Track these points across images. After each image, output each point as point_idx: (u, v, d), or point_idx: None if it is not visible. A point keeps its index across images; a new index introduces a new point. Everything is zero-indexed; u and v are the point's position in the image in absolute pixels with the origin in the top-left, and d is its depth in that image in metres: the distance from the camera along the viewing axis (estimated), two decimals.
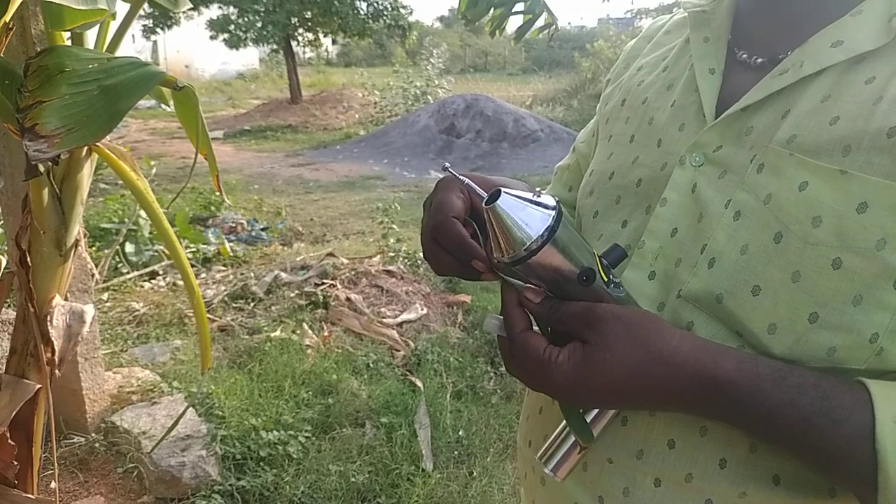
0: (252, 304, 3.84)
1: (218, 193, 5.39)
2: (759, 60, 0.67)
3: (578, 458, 0.66)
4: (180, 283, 4.06)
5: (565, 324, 0.58)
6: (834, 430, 0.53)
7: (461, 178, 0.62)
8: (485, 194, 0.58)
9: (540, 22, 3.17)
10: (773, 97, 0.63)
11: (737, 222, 0.61)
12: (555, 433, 0.66)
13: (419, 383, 3.10)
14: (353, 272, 4.13)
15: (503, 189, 0.55)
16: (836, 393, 0.54)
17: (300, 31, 16.29)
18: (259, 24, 15.25)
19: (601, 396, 0.58)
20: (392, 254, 4.49)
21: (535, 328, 0.61)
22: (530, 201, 0.55)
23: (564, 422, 0.65)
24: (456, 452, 2.72)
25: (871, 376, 0.56)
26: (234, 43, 16.09)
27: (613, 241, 0.71)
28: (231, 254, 4.72)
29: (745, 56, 0.69)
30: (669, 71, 0.77)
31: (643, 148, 0.73)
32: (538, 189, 0.58)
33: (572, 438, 0.65)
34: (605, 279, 0.59)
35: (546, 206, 0.55)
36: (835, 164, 0.56)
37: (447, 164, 0.64)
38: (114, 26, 1.29)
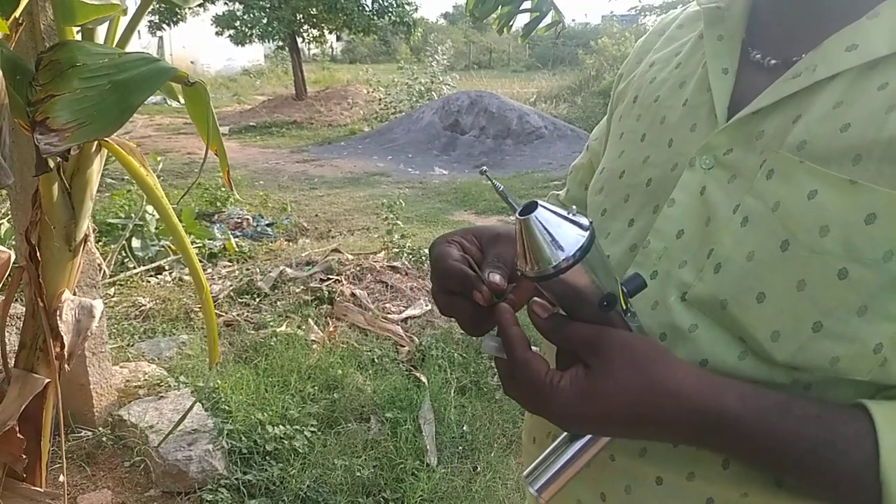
0: (258, 300, 3.86)
1: (226, 189, 5.38)
2: (773, 62, 0.66)
3: (566, 482, 0.63)
4: (186, 278, 4.08)
5: (570, 344, 0.58)
6: (839, 460, 0.53)
7: (496, 184, 0.59)
8: (518, 204, 0.56)
9: (547, 20, 3.16)
10: (785, 101, 0.62)
11: (744, 228, 0.60)
12: (544, 454, 0.64)
13: (424, 379, 3.11)
14: (357, 268, 4.14)
15: (539, 202, 0.54)
16: (839, 422, 0.54)
17: (305, 27, 16.28)
18: (264, 21, 15.25)
19: (600, 425, 0.57)
20: (396, 250, 4.49)
21: (535, 349, 0.60)
22: (565, 218, 0.54)
23: (555, 443, 0.64)
24: (460, 447, 2.73)
25: (873, 388, 0.56)
26: (239, 39, 16.11)
27: (620, 240, 0.71)
28: (237, 249, 4.73)
29: (758, 56, 0.68)
30: (682, 68, 0.75)
31: (654, 147, 0.72)
32: (573, 207, 0.57)
33: (562, 461, 0.63)
34: (624, 307, 0.58)
35: (581, 226, 0.54)
36: (845, 173, 0.56)
37: (485, 168, 0.63)
38: (123, 22, 1.29)
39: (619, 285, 0.58)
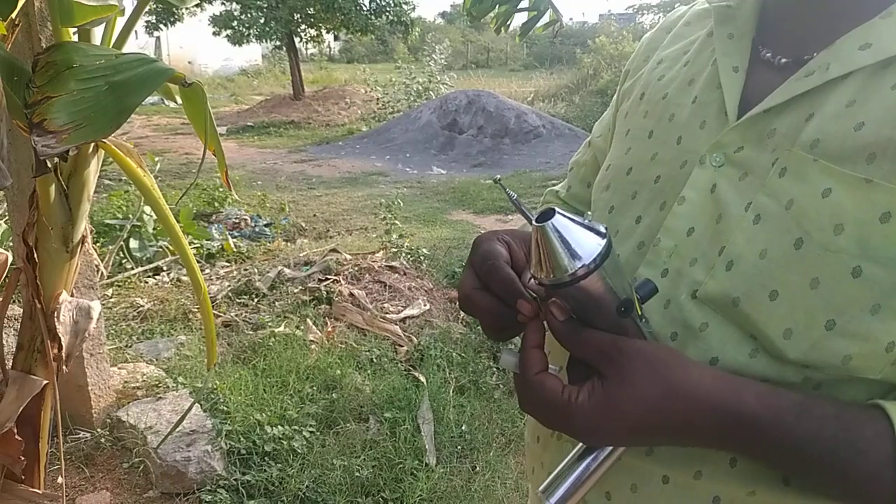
0: (256, 300, 3.85)
1: (224, 189, 5.37)
2: (784, 61, 0.66)
3: (584, 494, 0.63)
4: (184, 278, 4.07)
5: (584, 351, 0.58)
6: (858, 460, 0.53)
7: (510, 193, 0.60)
8: (531, 214, 0.56)
9: (545, 19, 3.16)
10: (797, 99, 0.62)
11: (757, 226, 0.60)
12: (560, 466, 0.64)
13: (422, 378, 3.11)
14: (356, 268, 4.14)
15: (556, 209, 0.54)
16: (857, 423, 0.54)
17: (303, 27, 16.27)
18: (262, 21, 15.25)
19: (623, 435, 0.57)
20: (395, 249, 4.49)
21: (552, 368, 0.60)
22: (582, 225, 0.54)
23: (570, 455, 0.64)
24: (459, 447, 2.73)
25: (885, 387, 0.57)
26: (236, 39, 16.11)
27: (628, 237, 0.71)
28: (235, 250, 4.72)
29: (769, 55, 0.68)
30: (690, 65, 0.75)
31: (662, 144, 0.72)
32: (588, 214, 0.57)
33: (577, 471, 0.62)
34: (639, 313, 0.58)
35: (598, 233, 0.54)
36: (859, 171, 0.56)
37: (498, 177, 0.63)
38: (120, 23, 1.29)
39: (633, 290, 0.58)
